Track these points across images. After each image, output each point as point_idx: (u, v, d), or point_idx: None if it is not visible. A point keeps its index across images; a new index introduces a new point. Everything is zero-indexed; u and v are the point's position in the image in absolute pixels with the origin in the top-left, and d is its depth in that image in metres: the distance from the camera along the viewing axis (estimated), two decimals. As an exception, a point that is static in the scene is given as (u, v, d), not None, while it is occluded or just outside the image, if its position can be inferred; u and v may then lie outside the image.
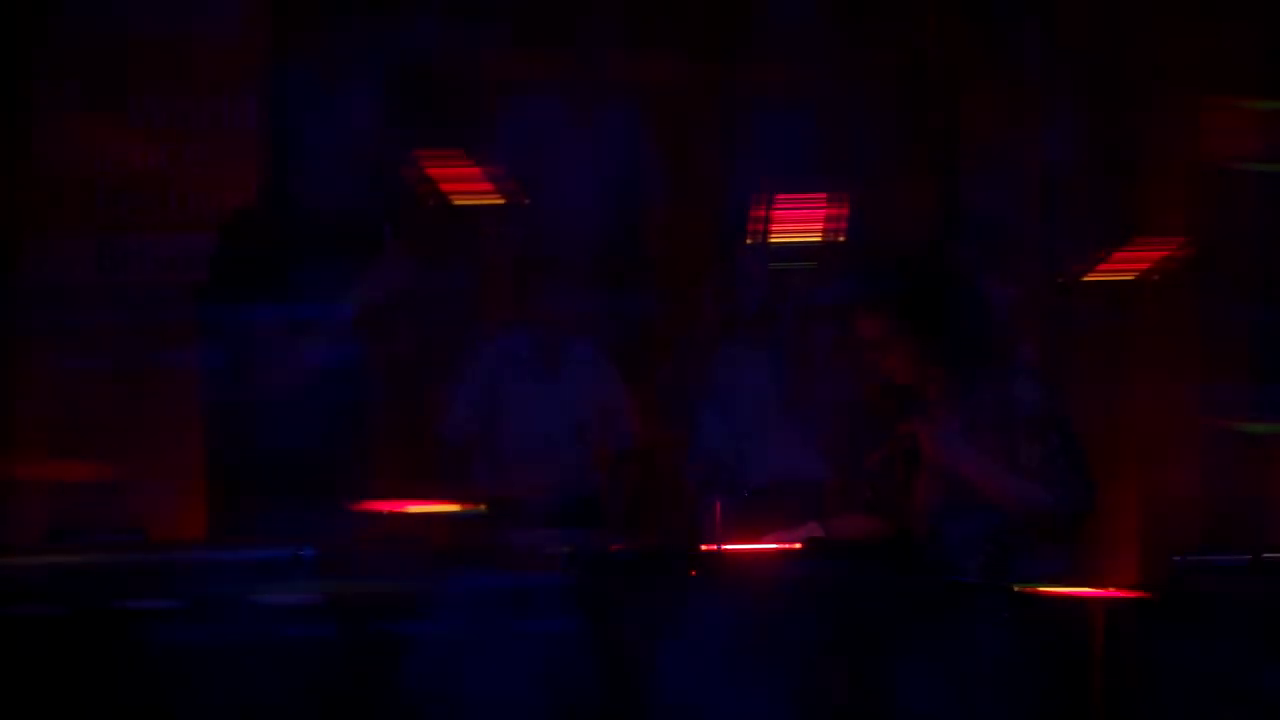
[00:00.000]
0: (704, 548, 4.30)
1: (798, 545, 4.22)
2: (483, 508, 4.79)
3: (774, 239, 4.97)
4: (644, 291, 5.94)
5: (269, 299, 4.06)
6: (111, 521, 5.63)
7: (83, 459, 5.93)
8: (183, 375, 5.86)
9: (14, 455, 5.95)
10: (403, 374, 5.36)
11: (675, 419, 5.23)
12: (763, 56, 5.97)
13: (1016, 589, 3.87)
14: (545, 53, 5.96)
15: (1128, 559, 5.70)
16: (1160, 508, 5.73)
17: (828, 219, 4.97)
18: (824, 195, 4.97)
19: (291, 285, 4.12)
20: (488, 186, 5.24)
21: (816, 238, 4.98)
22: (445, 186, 5.10)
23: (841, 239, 4.99)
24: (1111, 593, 3.92)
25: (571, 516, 5.09)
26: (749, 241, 5.03)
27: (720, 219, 5.65)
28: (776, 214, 4.97)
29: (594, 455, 5.34)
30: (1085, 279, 5.11)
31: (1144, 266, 5.07)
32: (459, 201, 5.18)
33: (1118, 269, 5.07)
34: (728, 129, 6.00)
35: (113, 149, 5.95)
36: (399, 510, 4.29)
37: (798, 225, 4.95)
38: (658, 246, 5.97)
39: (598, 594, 3.90)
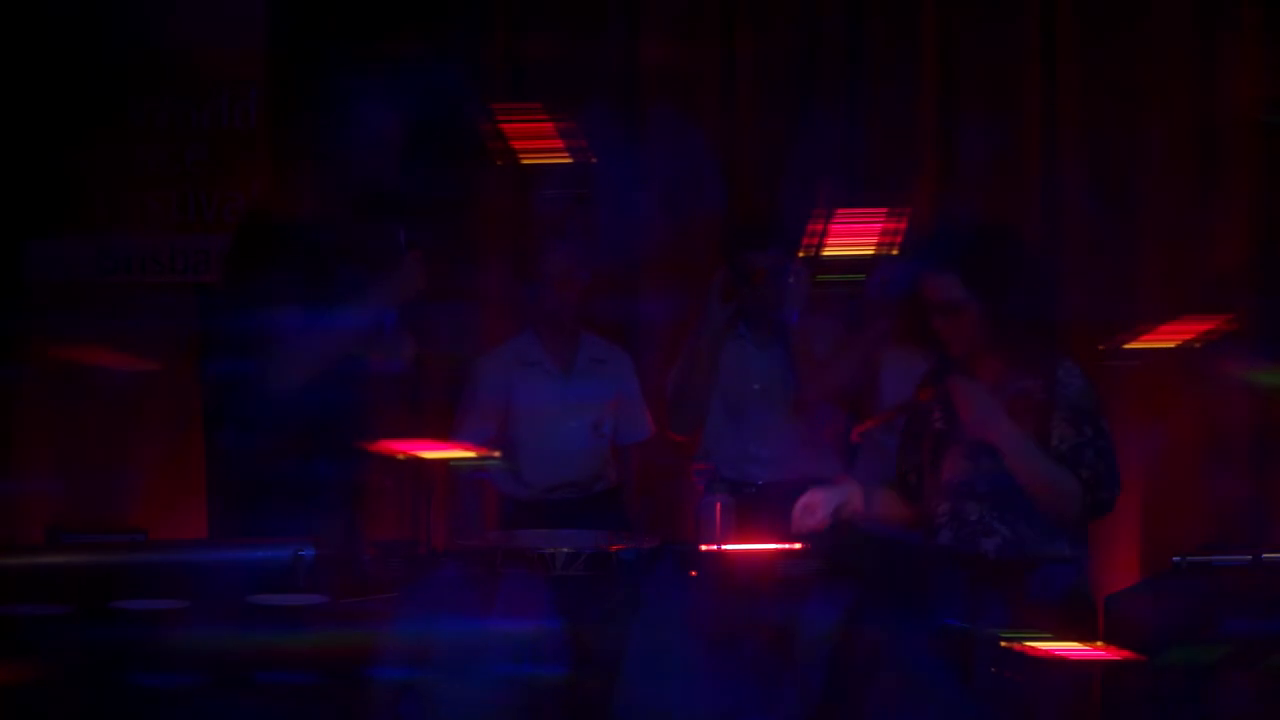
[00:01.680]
0: (704, 548, 4.30)
1: (825, 523, 4.22)
2: (497, 455, 4.78)
3: (832, 250, 4.96)
4: (653, 289, 5.94)
5: (283, 301, 4.06)
6: (111, 521, 5.64)
7: (83, 459, 5.94)
8: (183, 375, 5.88)
9: (14, 455, 5.95)
10: (417, 377, 5.36)
11: (683, 419, 5.21)
12: (779, 57, 5.98)
13: (1003, 643, 3.84)
14: (560, 47, 5.96)
15: (1128, 559, 5.70)
16: (1161, 509, 5.74)
17: (884, 230, 4.97)
18: (883, 209, 4.96)
19: (306, 288, 4.11)
20: (558, 144, 5.20)
21: (870, 250, 4.97)
22: (516, 144, 5.05)
23: (894, 252, 4.98)
24: (1105, 655, 3.89)
25: (588, 514, 5.08)
26: (769, 244, 5.03)
27: (731, 217, 5.66)
28: (836, 226, 4.96)
29: (609, 452, 5.34)
30: (1128, 347, 5.10)
31: (1190, 336, 5.07)
32: (528, 160, 5.13)
33: (1164, 337, 5.07)
34: (742, 127, 5.99)
35: (113, 149, 5.96)
36: (413, 453, 4.27)
37: (835, 233, 4.95)
38: (669, 244, 5.96)
39: (597, 593, 3.90)
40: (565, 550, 3.98)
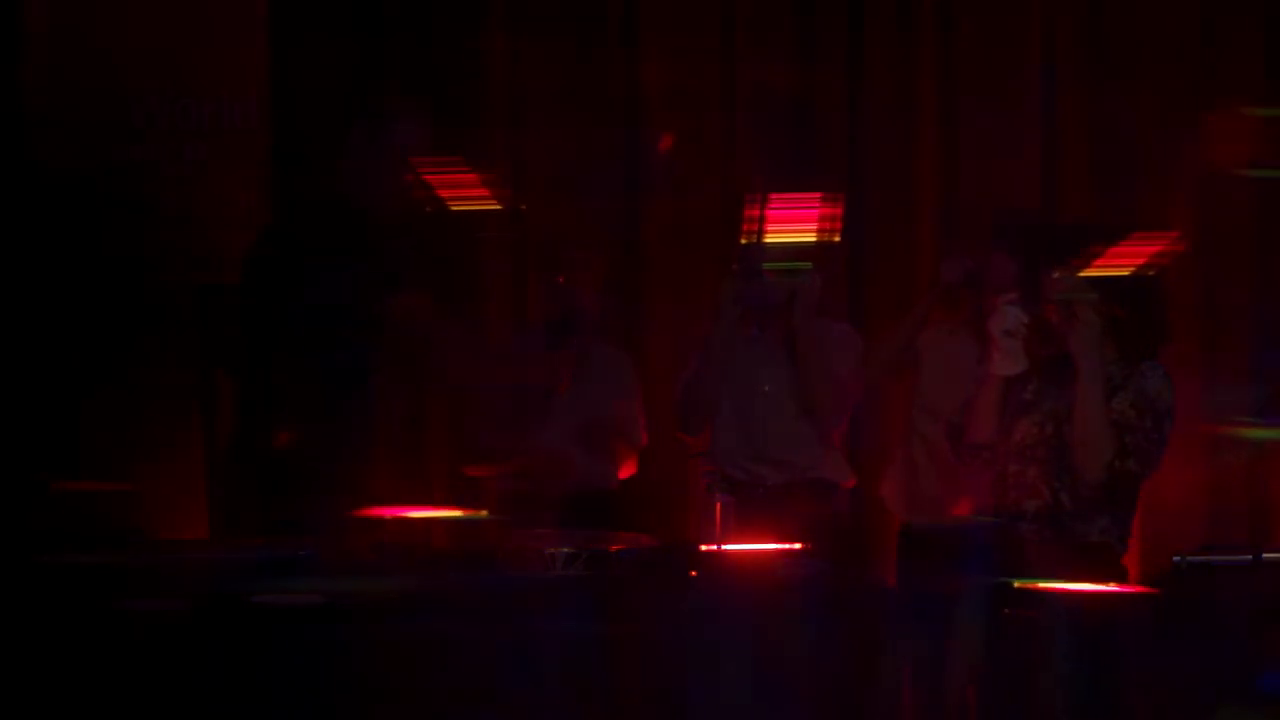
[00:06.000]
0: (704, 547, 4.30)
1: None
2: (484, 513, 4.74)
3: (772, 238, 4.97)
4: (658, 291, 5.96)
5: (301, 300, 4.08)
6: (112, 522, 5.64)
7: (83, 460, 5.93)
8: (183, 376, 5.88)
9: (15, 455, 5.95)
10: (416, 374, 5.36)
11: (693, 418, 5.20)
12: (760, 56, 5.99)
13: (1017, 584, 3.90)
14: (545, 50, 5.97)
15: (1128, 559, 5.69)
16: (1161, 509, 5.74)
17: (821, 219, 4.99)
18: (817, 195, 4.99)
19: (322, 286, 4.14)
20: (484, 192, 5.18)
21: (810, 237, 4.99)
22: (441, 193, 5.02)
23: (835, 239, 5.02)
24: (1119, 590, 3.93)
25: (579, 515, 5.08)
26: (746, 240, 5.04)
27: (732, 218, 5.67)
28: (773, 213, 4.97)
29: (605, 454, 5.33)
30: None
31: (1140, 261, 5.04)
32: (456, 208, 5.09)
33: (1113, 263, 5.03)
34: (734, 126, 6.01)
35: (113, 146, 5.96)
36: (399, 515, 4.27)
37: (792, 224, 4.97)
38: (672, 245, 5.98)
39: (599, 593, 3.91)
40: (568, 550, 3.99)
